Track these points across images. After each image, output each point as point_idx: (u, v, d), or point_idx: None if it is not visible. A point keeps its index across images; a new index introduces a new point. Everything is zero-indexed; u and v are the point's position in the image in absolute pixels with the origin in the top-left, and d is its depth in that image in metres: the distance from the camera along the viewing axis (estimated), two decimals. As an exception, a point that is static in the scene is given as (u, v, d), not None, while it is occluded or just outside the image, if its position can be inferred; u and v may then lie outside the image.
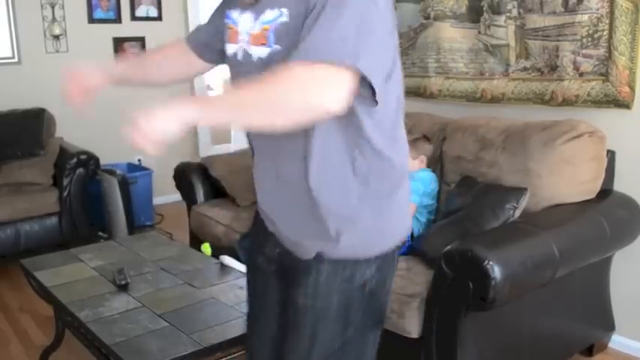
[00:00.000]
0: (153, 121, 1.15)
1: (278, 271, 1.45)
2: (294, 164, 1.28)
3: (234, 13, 1.33)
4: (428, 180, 2.68)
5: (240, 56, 1.31)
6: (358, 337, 1.40)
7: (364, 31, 1.12)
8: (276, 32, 1.21)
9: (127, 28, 4.93)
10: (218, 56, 1.49)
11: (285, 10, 1.19)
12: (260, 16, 1.24)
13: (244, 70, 1.30)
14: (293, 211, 1.34)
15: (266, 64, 1.22)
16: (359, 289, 1.35)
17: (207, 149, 5.40)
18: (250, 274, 1.58)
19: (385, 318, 1.47)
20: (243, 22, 1.29)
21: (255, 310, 1.57)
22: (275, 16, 1.21)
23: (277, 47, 1.21)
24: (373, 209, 1.31)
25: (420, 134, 2.82)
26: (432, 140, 2.83)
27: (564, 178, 2.39)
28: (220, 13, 1.46)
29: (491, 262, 1.89)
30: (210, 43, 1.51)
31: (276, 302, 1.48)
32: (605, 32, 2.49)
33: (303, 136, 1.23)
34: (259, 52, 1.24)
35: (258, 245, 1.50)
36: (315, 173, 1.26)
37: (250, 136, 1.43)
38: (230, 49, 1.35)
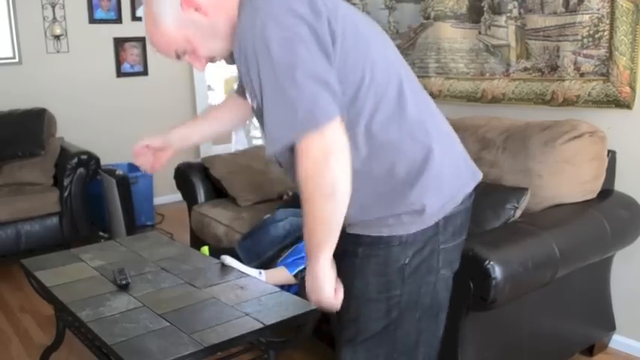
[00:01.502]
0: (324, 294, 1.36)
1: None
2: None
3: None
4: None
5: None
6: (406, 319, 1.43)
7: (305, 78, 1.20)
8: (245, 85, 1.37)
9: (127, 28, 4.94)
10: None
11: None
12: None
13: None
14: None
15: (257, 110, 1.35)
16: (397, 272, 1.39)
17: (208, 149, 5.40)
18: None
19: (444, 300, 1.49)
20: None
21: None
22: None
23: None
24: (395, 191, 1.36)
25: None
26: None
27: (565, 178, 2.39)
28: None
29: (491, 262, 1.90)
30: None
31: None
32: (606, 32, 2.49)
33: None
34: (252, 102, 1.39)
35: None
36: None
37: None
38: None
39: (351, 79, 1.30)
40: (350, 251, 1.42)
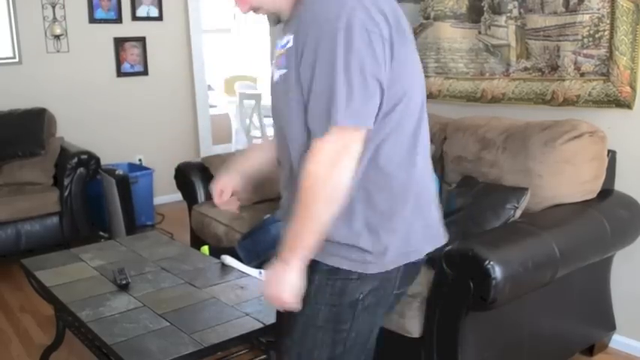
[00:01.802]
0: (285, 293, 1.31)
1: None
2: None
3: (278, 40, 1.43)
4: (428, 180, 2.68)
5: (271, 76, 1.42)
6: (351, 352, 1.41)
7: (348, 78, 1.20)
8: (286, 56, 1.32)
9: (127, 28, 4.94)
10: None
11: (291, 36, 1.31)
12: (280, 41, 1.37)
13: (272, 88, 1.42)
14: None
15: (280, 83, 1.35)
16: (349, 306, 1.36)
17: (208, 149, 5.40)
18: None
19: (370, 345, 1.47)
20: (285, 41, 1.39)
21: None
22: (286, 41, 1.33)
23: (284, 70, 1.32)
24: (368, 223, 1.33)
25: None
26: (433, 140, 2.83)
27: (565, 178, 2.39)
28: None
29: (491, 262, 1.89)
30: None
31: None
32: (606, 32, 2.49)
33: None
34: (277, 73, 1.36)
35: None
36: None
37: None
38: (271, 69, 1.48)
39: (392, 93, 1.29)
40: (306, 277, 1.37)
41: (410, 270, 1.42)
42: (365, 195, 1.32)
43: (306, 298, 1.37)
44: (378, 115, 1.28)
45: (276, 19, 1.42)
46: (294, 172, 1.35)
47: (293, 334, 1.42)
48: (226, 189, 1.71)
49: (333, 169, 1.23)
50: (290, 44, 1.30)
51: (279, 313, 1.61)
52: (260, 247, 2.77)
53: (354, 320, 1.38)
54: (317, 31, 1.23)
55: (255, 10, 1.40)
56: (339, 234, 1.33)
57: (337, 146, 1.23)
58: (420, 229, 1.40)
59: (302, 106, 1.29)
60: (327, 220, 1.27)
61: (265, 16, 1.43)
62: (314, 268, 1.36)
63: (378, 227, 1.33)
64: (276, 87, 1.37)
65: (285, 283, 1.30)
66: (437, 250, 1.47)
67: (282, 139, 1.41)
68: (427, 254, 1.45)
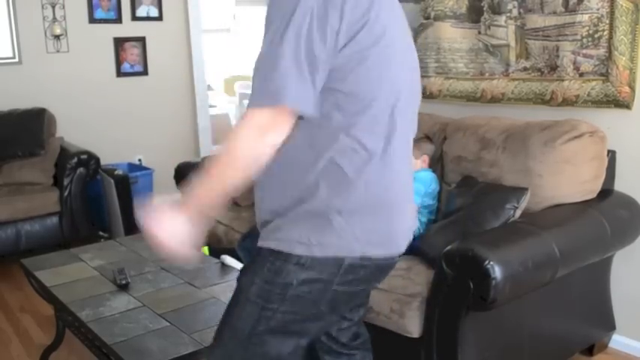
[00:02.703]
0: (162, 230, 1.33)
1: None
2: None
3: None
4: (428, 180, 2.68)
5: None
6: (268, 338, 1.40)
7: (301, 55, 1.21)
8: None
9: (127, 28, 4.93)
10: None
11: None
12: None
13: None
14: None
15: None
16: (281, 287, 1.36)
17: (208, 149, 5.40)
18: None
19: (307, 335, 1.46)
20: None
21: None
22: None
23: None
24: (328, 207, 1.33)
25: (422, 134, 2.82)
26: (431, 138, 2.83)
27: (565, 178, 2.39)
28: None
29: (491, 262, 1.89)
30: None
31: None
32: (606, 32, 2.49)
33: None
34: None
35: None
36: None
37: None
38: None
39: (365, 84, 1.29)
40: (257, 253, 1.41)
41: (358, 270, 1.38)
42: (328, 180, 1.32)
43: (248, 269, 1.43)
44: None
45: None
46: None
47: (229, 301, 1.46)
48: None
49: (256, 139, 1.25)
50: None
51: None
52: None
53: (281, 303, 1.36)
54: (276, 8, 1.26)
55: None
56: (286, 200, 1.34)
57: (267, 121, 1.23)
58: (373, 232, 1.36)
59: None
60: (230, 185, 1.28)
61: None
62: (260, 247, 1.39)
63: (332, 217, 1.32)
64: None
65: (166, 225, 1.32)
66: (387, 259, 1.43)
67: None
68: (374, 258, 1.40)
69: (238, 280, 1.44)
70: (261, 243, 1.39)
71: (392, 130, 1.35)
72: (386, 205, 1.38)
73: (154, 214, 1.34)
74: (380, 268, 1.45)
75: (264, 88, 1.23)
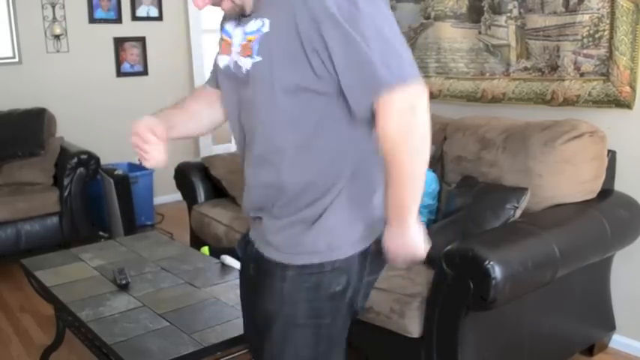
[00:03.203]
0: (419, 251, 1.32)
1: (254, 271, 1.45)
2: None
3: (229, 26, 1.34)
4: (428, 180, 2.68)
5: (232, 68, 1.32)
6: (333, 356, 1.37)
7: (394, 36, 1.18)
8: (260, 43, 1.23)
9: (127, 28, 4.94)
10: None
11: (266, 21, 1.22)
12: (244, 27, 1.27)
13: (235, 82, 1.32)
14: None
15: (251, 76, 1.25)
16: (328, 298, 1.32)
17: (208, 149, 5.40)
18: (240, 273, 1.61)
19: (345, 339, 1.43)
20: (236, 34, 1.30)
21: (244, 311, 1.59)
22: (258, 26, 1.23)
23: (259, 58, 1.23)
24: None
25: None
26: (432, 141, 2.82)
27: (565, 178, 2.39)
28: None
29: (491, 262, 1.89)
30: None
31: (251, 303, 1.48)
32: (606, 32, 2.49)
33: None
34: (246, 63, 1.26)
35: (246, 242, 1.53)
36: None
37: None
38: (222, 61, 1.37)
39: None
40: (276, 274, 1.34)
41: (375, 254, 1.38)
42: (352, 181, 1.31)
43: (281, 297, 1.33)
44: None
45: (239, 14, 1.29)
46: (282, 171, 1.30)
47: (272, 338, 1.36)
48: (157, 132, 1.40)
49: (410, 119, 1.19)
50: (265, 29, 1.21)
51: (246, 322, 1.58)
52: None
53: (333, 314, 1.34)
54: (313, 10, 1.14)
55: (215, 3, 1.28)
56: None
57: (401, 102, 1.17)
58: (380, 210, 1.37)
59: (292, 94, 1.22)
60: (422, 172, 1.24)
61: (224, 10, 1.31)
62: (285, 265, 1.32)
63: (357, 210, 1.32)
64: (251, 78, 1.25)
65: (416, 246, 1.30)
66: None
67: (263, 141, 1.31)
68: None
69: (277, 315, 1.34)
70: (284, 260, 1.33)
71: None
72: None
73: (398, 242, 1.30)
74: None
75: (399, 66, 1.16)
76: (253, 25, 1.24)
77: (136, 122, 1.40)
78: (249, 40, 1.25)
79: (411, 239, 1.29)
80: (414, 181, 1.23)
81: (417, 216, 1.29)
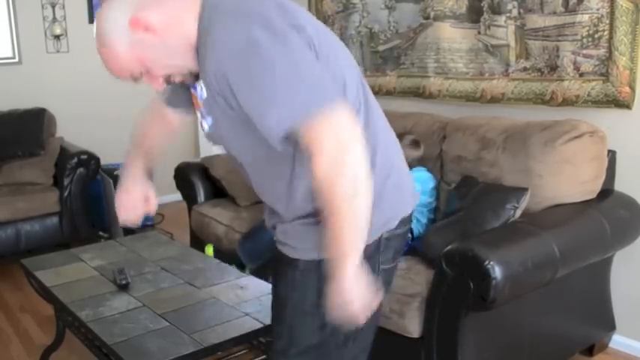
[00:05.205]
0: (366, 300, 1.24)
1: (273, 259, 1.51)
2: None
3: (198, 83, 1.36)
4: (424, 179, 2.69)
5: (200, 122, 1.40)
6: (337, 340, 1.40)
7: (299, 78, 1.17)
8: (207, 107, 1.31)
9: (127, 28, 4.93)
10: (188, 103, 1.50)
11: (202, 85, 1.28)
12: (197, 89, 1.34)
13: (216, 133, 1.38)
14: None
15: (214, 134, 1.36)
16: None
17: (208, 149, 5.39)
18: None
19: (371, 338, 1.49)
20: (199, 91, 1.34)
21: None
22: (200, 91, 1.31)
23: (210, 118, 1.33)
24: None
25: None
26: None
27: (565, 178, 2.39)
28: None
29: (491, 262, 1.90)
30: (176, 92, 1.53)
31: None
32: (606, 32, 2.49)
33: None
34: (205, 123, 1.36)
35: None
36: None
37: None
38: (196, 114, 1.45)
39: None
40: (291, 262, 1.39)
41: (395, 241, 1.41)
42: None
43: (293, 283, 1.39)
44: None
45: (193, 77, 1.33)
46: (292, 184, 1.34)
47: (284, 321, 1.43)
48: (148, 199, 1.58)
49: (339, 163, 1.15)
50: (204, 94, 1.28)
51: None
52: (261, 247, 2.77)
53: None
54: (233, 61, 1.17)
55: (169, 80, 1.33)
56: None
57: (328, 143, 1.15)
58: (392, 194, 1.38)
59: (249, 124, 1.23)
60: (364, 214, 1.19)
61: (182, 79, 1.35)
62: (297, 259, 1.39)
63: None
64: (216, 135, 1.35)
65: (362, 295, 1.22)
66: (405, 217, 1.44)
67: (261, 167, 1.37)
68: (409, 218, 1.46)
69: (289, 299, 1.40)
70: (296, 255, 1.38)
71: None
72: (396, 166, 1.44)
73: (352, 296, 1.22)
74: (405, 234, 1.48)
75: (305, 100, 1.16)
76: (199, 89, 1.31)
77: (133, 185, 1.57)
78: (200, 104, 1.34)
79: (347, 290, 1.20)
80: (349, 229, 1.20)
81: (357, 265, 1.21)
